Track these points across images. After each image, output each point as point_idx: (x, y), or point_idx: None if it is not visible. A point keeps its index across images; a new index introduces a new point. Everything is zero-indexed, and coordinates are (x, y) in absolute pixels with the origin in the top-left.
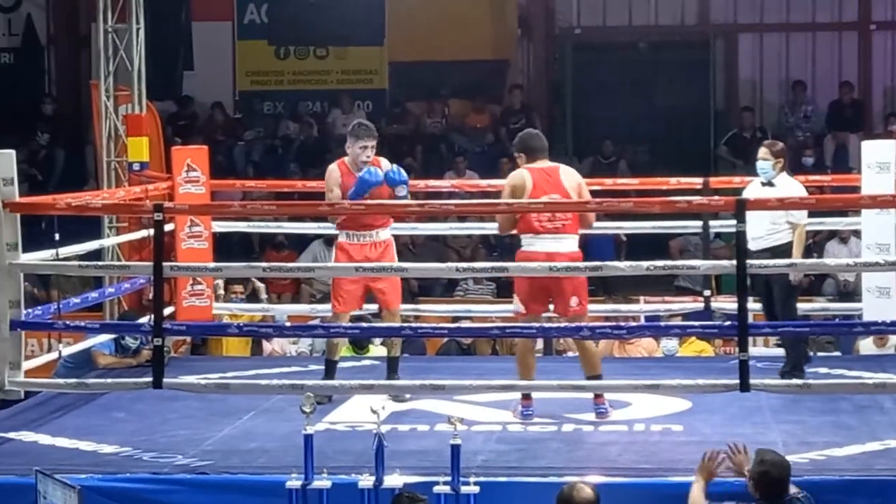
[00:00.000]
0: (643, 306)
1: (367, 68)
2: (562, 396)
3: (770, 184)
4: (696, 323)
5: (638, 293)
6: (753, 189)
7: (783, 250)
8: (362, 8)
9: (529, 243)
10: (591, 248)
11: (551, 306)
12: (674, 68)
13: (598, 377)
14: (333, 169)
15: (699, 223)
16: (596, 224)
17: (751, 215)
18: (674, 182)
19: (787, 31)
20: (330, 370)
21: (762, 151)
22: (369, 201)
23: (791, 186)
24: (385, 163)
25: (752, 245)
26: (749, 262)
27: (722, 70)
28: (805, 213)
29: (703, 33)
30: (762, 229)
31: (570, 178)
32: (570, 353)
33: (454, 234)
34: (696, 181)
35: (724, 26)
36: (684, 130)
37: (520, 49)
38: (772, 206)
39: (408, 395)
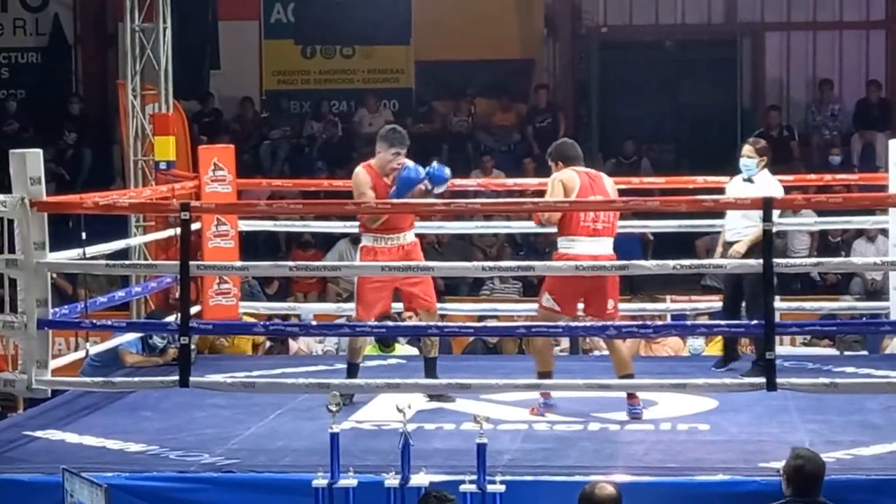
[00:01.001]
0: (669, 305)
1: (394, 67)
2: (588, 395)
3: (750, 180)
4: (723, 322)
5: (664, 292)
6: (736, 185)
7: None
8: (389, 7)
9: (569, 245)
10: (618, 247)
11: (580, 305)
12: (700, 67)
13: (631, 376)
14: (362, 172)
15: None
16: (623, 223)
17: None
18: (700, 181)
19: (815, 29)
20: (352, 372)
21: (746, 149)
22: (395, 201)
23: (769, 184)
24: (409, 163)
25: (731, 237)
26: (777, 260)
27: (749, 69)
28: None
29: (730, 32)
30: (737, 223)
31: (612, 186)
32: (596, 352)
33: (480, 233)
34: (723, 180)
35: (751, 25)
36: (711, 129)
37: (546, 48)
38: (798, 206)
39: (454, 396)
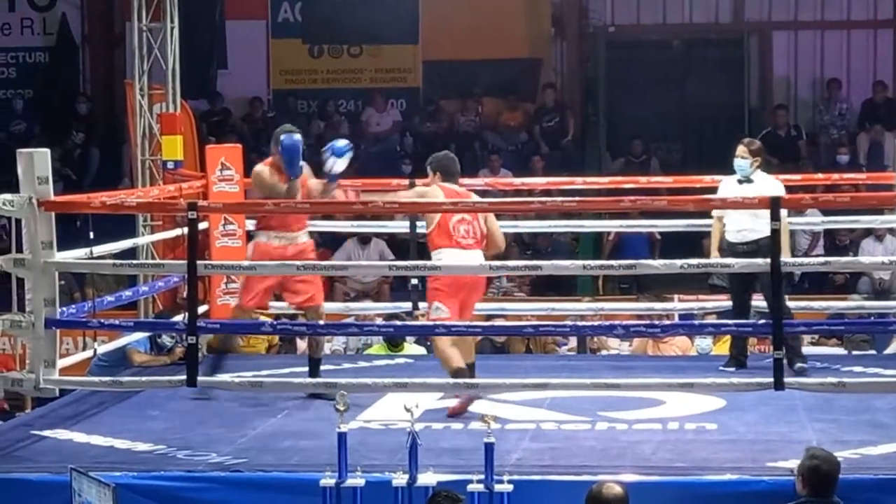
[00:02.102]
0: (677, 305)
1: (401, 67)
2: (595, 395)
3: (748, 180)
4: (731, 321)
5: (672, 291)
6: (730, 186)
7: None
8: (396, 7)
9: (440, 257)
10: (626, 245)
11: None
12: (708, 66)
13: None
14: (266, 170)
15: None
16: (631, 222)
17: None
18: (708, 180)
19: (822, 28)
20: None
21: (740, 150)
22: (402, 199)
23: (769, 183)
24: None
25: (735, 237)
26: (784, 259)
27: (756, 68)
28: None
29: (738, 31)
30: (746, 223)
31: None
32: (603, 352)
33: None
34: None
35: (759, 24)
36: (718, 128)
37: (553, 47)
38: (806, 205)
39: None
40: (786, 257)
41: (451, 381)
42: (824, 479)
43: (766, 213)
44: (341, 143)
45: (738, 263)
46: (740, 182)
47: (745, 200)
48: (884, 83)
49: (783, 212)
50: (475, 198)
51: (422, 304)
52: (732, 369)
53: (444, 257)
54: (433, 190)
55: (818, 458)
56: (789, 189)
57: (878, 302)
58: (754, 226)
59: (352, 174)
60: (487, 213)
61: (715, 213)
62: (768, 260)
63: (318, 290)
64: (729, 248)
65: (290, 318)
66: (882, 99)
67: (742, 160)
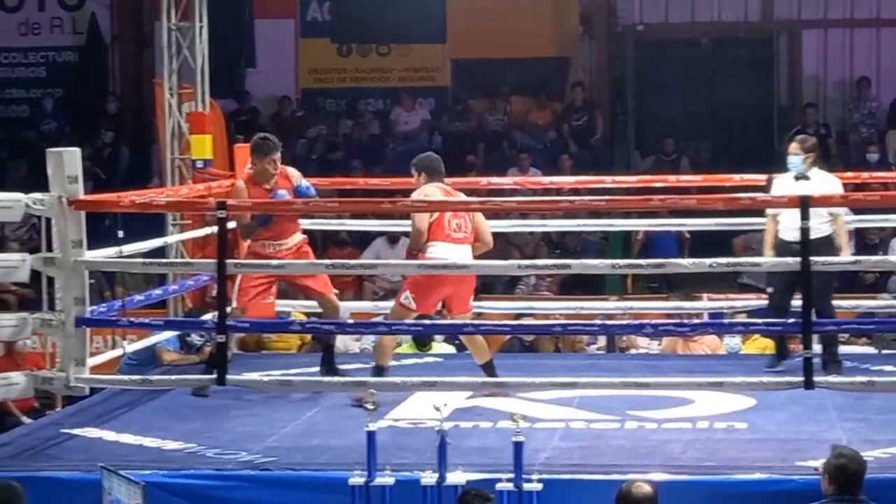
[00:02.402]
0: (706, 303)
1: (429, 66)
2: (624, 394)
3: (804, 177)
4: (760, 320)
5: (701, 290)
6: (786, 183)
7: (824, 242)
8: (424, 6)
9: (433, 249)
10: (655, 244)
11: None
12: (737, 65)
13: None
14: (242, 187)
15: (763, 220)
16: (660, 221)
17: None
18: (737, 179)
19: (852, 26)
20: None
21: (793, 146)
22: (430, 199)
23: (827, 180)
24: (293, 172)
25: (790, 236)
26: (813, 259)
27: (785, 66)
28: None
29: (767, 29)
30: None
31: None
32: (632, 351)
33: (516, 232)
34: (760, 178)
35: (788, 22)
36: (747, 127)
37: (581, 46)
38: (836, 203)
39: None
40: (846, 255)
41: (480, 380)
42: (851, 478)
43: (823, 211)
44: (309, 189)
45: (767, 263)
46: (797, 179)
47: (774, 199)
48: None
49: (842, 210)
50: (462, 196)
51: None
52: (781, 369)
53: (436, 250)
54: (431, 189)
55: (845, 457)
56: None
57: None
58: (815, 224)
59: (380, 173)
60: (477, 211)
61: (769, 211)
62: (798, 259)
63: (320, 282)
64: (782, 247)
65: (319, 316)
66: None
67: (795, 157)
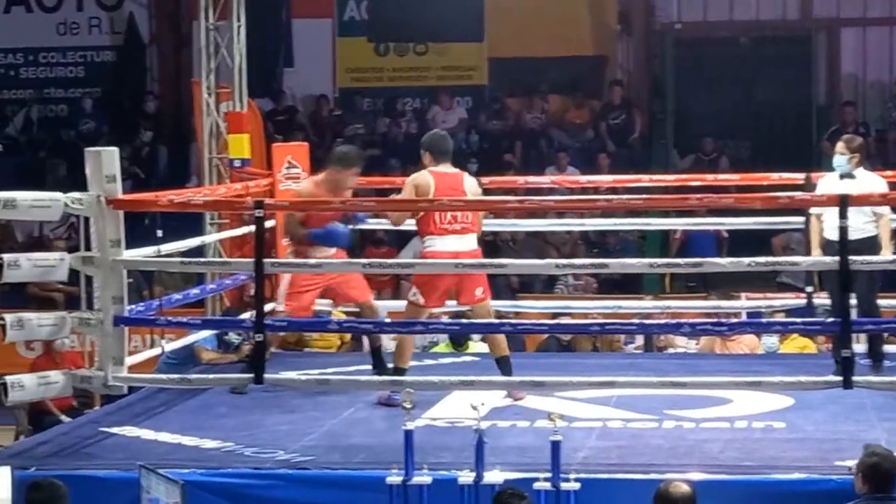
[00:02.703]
0: (745, 303)
1: (467, 64)
2: (662, 393)
3: (850, 176)
4: (799, 320)
5: (739, 289)
6: (831, 183)
7: (870, 242)
8: (461, 4)
9: (431, 244)
10: (693, 244)
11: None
12: (775, 63)
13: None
14: (312, 187)
15: (801, 219)
16: (698, 220)
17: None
18: (776, 177)
19: (891, 25)
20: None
21: (840, 146)
22: (466, 198)
23: (873, 179)
24: (469, 185)
25: (834, 235)
26: (852, 258)
27: (824, 65)
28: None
29: (805, 28)
30: (852, 220)
31: (472, 186)
32: (670, 350)
33: (553, 231)
34: (798, 177)
35: (827, 20)
36: (786, 126)
37: (619, 44)
38: (875, 202)
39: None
40: (887, 254)
41: (518, 379)
42: (885, 477)
43: (867, 210)
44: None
45: (805, 262)
46: (841, 178)
47: (813, 198)
48: None
49: (886, 209)
50: (468, 179)
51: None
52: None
53: (434, 244)
54: (423, 177)
55: (878, 456)
56: None
57: None
58: (855, 224)
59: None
60: (510, 211)
61: (813, 210)
62: (836, 258)
63: (361, 289)
64: (828, 247)
65: (356, 315)
66: None
67: (840, 156)
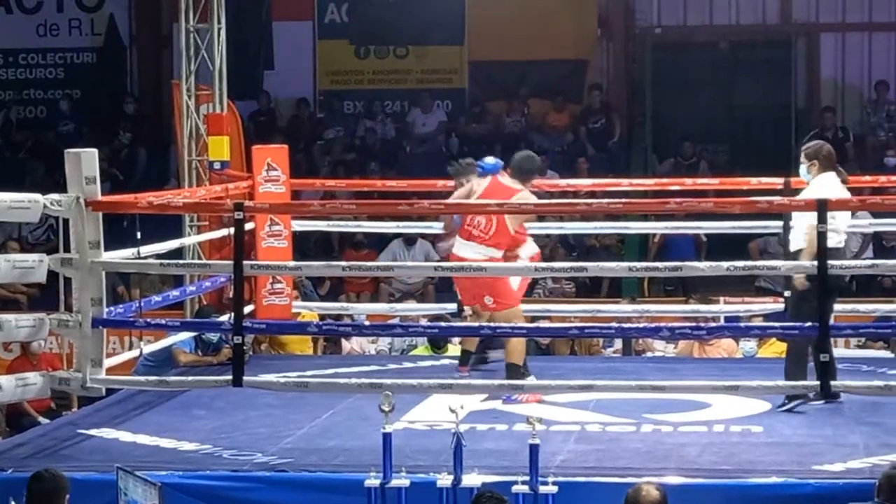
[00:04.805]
0: (723, 307)
1: (447, 68)
2: (640, 397)
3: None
4: (777, 324)
5: (718, 294)
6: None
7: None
8: (442, 8)
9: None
10: (672, 248)
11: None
12: (755, 68)
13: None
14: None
15: (780, 224)
16: (676, 224)
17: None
18: (754, 182)
19: (870, 30)
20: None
21: (801, 155)
22: (447, 201)
23: (815, 187)
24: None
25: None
26: (831, 262)
27: (803, 69)
28: (842, 215)
29: (785, 32)
30: (799, 231)
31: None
32: (648, 354)
33: (532, 234)
34: (777, 181)
35: (806, 25)
36: (765, 130)
37: (599, 48)
38: (854, 207)
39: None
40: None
41: (497, 382)
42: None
43: (802, 223)
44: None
45: (784, 266)
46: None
47: (791, 202)
48: None
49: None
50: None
51: (466, 307)
52: None
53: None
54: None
55: None
56: None
57: None
58: (795, 236)
59: (395, 175)
60: (494, 214)
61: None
62: (815, 262)
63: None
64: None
65: (336, 318)
66: None
67: (801, 165)
